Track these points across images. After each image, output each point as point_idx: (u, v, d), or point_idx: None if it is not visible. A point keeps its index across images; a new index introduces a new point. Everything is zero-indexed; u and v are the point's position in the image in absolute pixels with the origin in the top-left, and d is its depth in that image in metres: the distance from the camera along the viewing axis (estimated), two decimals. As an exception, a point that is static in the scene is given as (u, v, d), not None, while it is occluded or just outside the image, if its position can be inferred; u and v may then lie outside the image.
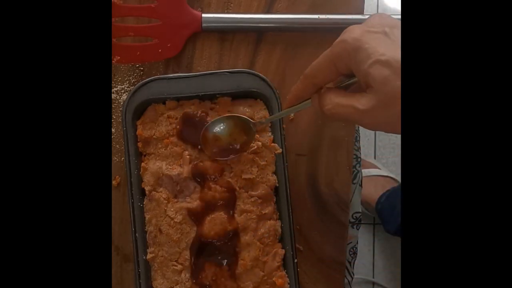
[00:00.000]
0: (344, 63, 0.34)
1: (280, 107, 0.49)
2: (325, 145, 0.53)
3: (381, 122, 0.34)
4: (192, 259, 0.48)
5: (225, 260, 0.48)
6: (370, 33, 0.33)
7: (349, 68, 0.34)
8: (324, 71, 0.36)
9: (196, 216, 0.48)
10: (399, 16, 0.51)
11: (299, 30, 0.53)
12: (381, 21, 0.34)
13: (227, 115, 0.46)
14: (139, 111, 0.50)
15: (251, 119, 0.50)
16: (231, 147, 0.46)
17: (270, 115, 0.50)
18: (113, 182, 0.53)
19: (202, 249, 0.48)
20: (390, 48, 0.32)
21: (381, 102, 0.32)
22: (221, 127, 0.45)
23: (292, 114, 0.53)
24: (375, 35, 0.33)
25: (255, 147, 0.48)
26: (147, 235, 0.49)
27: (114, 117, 0.53)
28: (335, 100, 0.36)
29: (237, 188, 0.48)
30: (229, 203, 0.48)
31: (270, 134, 0.50)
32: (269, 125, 0.50)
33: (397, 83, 0.31)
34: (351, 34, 0.34)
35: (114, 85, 0.53)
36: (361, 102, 0.33)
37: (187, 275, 0.48)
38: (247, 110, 0.50)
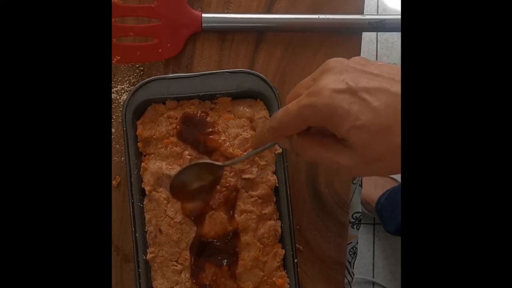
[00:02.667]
0: (315, 123, 0.34)
1: (280, 107, 0.49)
2: (325, 145, 0.53)
3: (366, 174, 0.34)
4: (192, 259, 0.48)
5: (225, 260, 0.48)
6: (337, 94, 0.32)
7: (321, 125, 0.34)
8: (293, 127, 0.36)
9: (196, 216, 0.48)
10: (399, 16, 0.51)
11: (299, 30, 0.53)
12: (342, 74, 0.34)
13: (190, 164, 0.46)
14: (139, 111, 0.50)
15: (251, 119, 0.50)
16: (200, 189, 0.47)
17: (270, 115, 0.50)
18: (113, 182, 0.53)
19: (202, 249, 0.48)
20: (362, 110, 0.31)
21: (364, 162, 0.32)
22: (186, 175, 0.46)
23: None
24: (343, 96, 0.32)
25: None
26: (147, 235, 0.49)
27: (114, 117, 0.53)
28: (314, 151, 0.36)
29: (238, 188, 0.48)
30: (229, 203, 0.48)
31: (270, 134, 0.50)
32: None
33: (377, 146, 0.31)
34: (319, 98, 0.33)
35: (114, 85, 0.53)
36: (344, 159, 0.33)
37: (187, 275, 0.48)
38: (247, 110, 0.50)
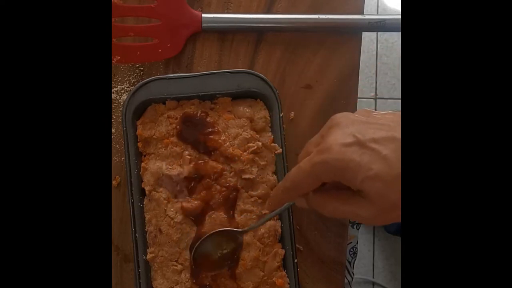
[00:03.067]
0: (329, 178, 0.35)
1: (280, 107, 0.49)
2: (325, 145, 0.53)
3: (386, 222, 0.34)
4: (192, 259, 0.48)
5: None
6: (347, 147, 0.33)
7: (335, 180, 0.35)
8: (307, 184, 0.36)
9: (196, 216, 0.48)
10: (399, 16, 0.51)
11: (299, 30, 0.53)
12: (348, 128, 0.34)
13: (210, 233, 0.47)
14: (139, 111, 0.50)
15: (251, 119, 0.50)
16: (222, 257, 0.47)
17: (269, 115, 0.50)
18: (113, 182, 0.53)
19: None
20: (373, 160, 0.32)
21: (382, 210, 0.33)
22: (207, 245, 0.46)
23: (292, 114, 0.53)
24: (352, 149, 0.33)
25: (255, 147, 0.48)
26: (147, 235, 0.49)
27: (114, 117, 0.53)
28: (332, 206, 0.36)
29: (238, 188, 0.48)
30: (229, 203, 0.48)
31: (270, 134, 0.50)
32: (269, 125, 0.50)
33: (392, 194, 0.32)
34: (330, 154, 0.34)
35: (114, 85, 0.53)
36: (363, 210, 0.34)
37: (187, 275, 0.48)
38: (247, 110, 0.50)
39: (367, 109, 0.37)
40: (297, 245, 0.50)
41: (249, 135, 0.49)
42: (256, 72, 0.49)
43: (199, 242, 0.46)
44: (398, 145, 0.32)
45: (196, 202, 0.48)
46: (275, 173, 0.49)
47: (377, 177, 0.32)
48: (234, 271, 0.48)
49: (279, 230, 0.49)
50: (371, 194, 0.32)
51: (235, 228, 0.48)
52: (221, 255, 0.47)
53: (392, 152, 0.32)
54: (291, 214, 0.49)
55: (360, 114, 0.36)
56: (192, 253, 0.46)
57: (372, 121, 0.35)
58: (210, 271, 0.47)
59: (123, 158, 0.52)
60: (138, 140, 0.50)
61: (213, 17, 0.52)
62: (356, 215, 0.34)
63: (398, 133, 0.33)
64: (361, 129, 0.34)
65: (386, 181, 0.32)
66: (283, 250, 0.49)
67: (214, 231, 0.46)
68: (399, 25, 0.52)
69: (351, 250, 0.61)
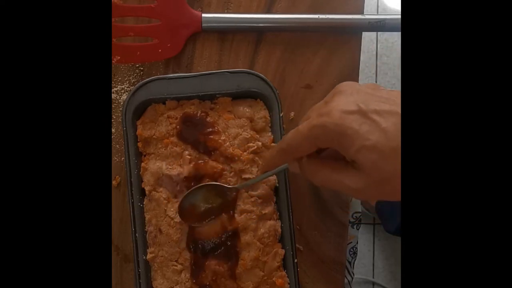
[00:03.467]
0: (325, 143, 0.34)
1: (280, 107, 0.49)
2: (325, 145, 0.53)
3: (374, 197, 0.34)
4: (192, 258, 0.48)
5: (225, 260, 0.48)
6: (347, 114, 0.33)
7: (330, 146, 0.34)
8: (303, 148, 0.36)
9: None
10: (399, 16, 0.51)
11: (299, 30, 0.53)
12: (353, 96, 0.34)
13: (199, 185, 0.47)
14: (139, 111, 0.50)
15: (251, 119, 0.50)
16: (209, 211, 0.48)
17: (269, 115, 0.50)
18: (113, 182, 0.53)
19: (202, 249, 0.48)
20: (372, 131, 0.32)
21: (372, 183, 0.32)
22: (196, 197, 0.47)
23: (292, 114, 0.53)
24: (353, 117, 0.33)
25: (255, 147, 0.48)
26: (147, 235, 0.49)
27: (114, 117, 0.53)
28: (323, 174, 0.35)
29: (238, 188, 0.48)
30: (229, 203, 0.48)
31: (270, 134, 0.50)
32: (269, 125, 0.50)
33: (386, 166, 0.31)
34: (330, 118, 0.33)
35: (114, 85, 0.53)
36: (352, 181, 0.33)
37: (187, 275, 0.48)
38: (247, 110, 0.50)
39: (375, 83, 0.36)
40: (297, 245, 0.50)
41: (249, 135, 0.49)
42: (256, 72, 0.49)
43: (187, 192, 0.46)
44: (399, 119, 0.32)
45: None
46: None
47: (374, 148, 0.31)
48: (234, 271, 0.48)
49: (279, 230, 0.49)
50: (365, 165, 0.32)
51: (235, 228, 0.48)
52: (206, 209, 0.47)
53: (392, 125, 0.32)
54: (291, 214, 0.49)
55: (367, 86, 0.36)
56: (179, 203, 0.46)
57: (377, 94, 0.34)
58: (193, 222, 0.48)
59: (123, 158, 0.52)
60: (138, 140, 0.50)
61: (213, 17, 0.52)
62: (345, 186, 0.34)
63: (400, 109, 0.32)
64: (365, 100, 0.33)
65: (382, 152, 0.31)
66: (283, 250, 0.49)
67: (204, 184, 0.47)
68: (399, 25, 0.52)
69: (351, 250, 0.61)
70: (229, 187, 0.46)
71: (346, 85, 0.36)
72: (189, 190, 0.46)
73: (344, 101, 0.34)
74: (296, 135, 0.36)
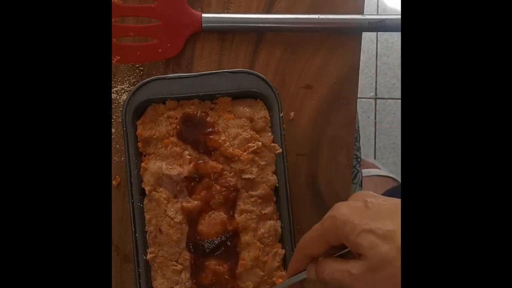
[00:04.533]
0: (334, 236, 0.37)
1: (280, 107, 0.49)
2: (325, 145, 0.53)
3: (375, 284, 0.35)
4: (192, 258, 0.48)
5: (225, 260, 0.48)
6: (354, 207, 0.37)
7: (340, 241, 0.37)
8: (316, 243, 0.39)
9: (196, 216, 0.48)
10: (399, 16, 0.51)
11: (299, 30, 0.53)
12: (363, 195, 0.38)
13: None
14: (139, 111, 0.50)
15: (251, 119, 0.50)
16: None
17: (269, 115, 0.50)
18: (113, 182, 0.53)
19: (202, 249, 0.48)
20: (372, 218, 0.35)
21: (371, 267, 0.34)
22: None
23: (292, 114, 0.53)
24: (358, 208, 0.36)
25: (255, 147, 0.48)
26: (147, 235, 0.49)
27: (114, 117, 0.53)
28: (332, 266, 0.38)
29: (238, 188, 0.48)
30: (229, 203, 0.48)
31: (270, 134, 0.50)
32: (269, 125, 0.50)
33: (383, 248, 0.33)
34: (339, 210, 0.37)
35: (114, 85, 0.53)
36: (354, 267, 0.36)
37: (187, 275, 0.48)
38: (247, 110, 0.50)
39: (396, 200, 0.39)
40: (297, 245, 0.50)
41: (249, 135, 0.49)
42: (256, 72, 0.49)
43: None
44: (393, 207, 0.36)
45: (196, 202, 0.48)
46: (275, 173, 0.49)
47: (372, 231, 0.34)
48: (234, 271, 0.48)
49: (279, 230, 0.49)
50: (364, 246, 0.34)
51: (235, 228, 0.48)
52: None
53: (387, 210, 0.36)
54: (291, 214, 0.49)
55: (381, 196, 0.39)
56: None
57: (389, 201, 0.37)
58: None
59: (123, 158, 0.52)
60: (138, 140, 0.50)
61: (213, 17, 0.52)
62: (347, 273, 0.36)
63: (397, 204, 0.36)
64: (372, 196, 0.38)
65: (380, 236, 0.34)
66: (283, 250, 0.49)
67: None
68: (399, 25, 0.52)
69: (351, 250, 0.61)
70: None
71: (357, 192, 0.41)
72: None
73: (354, 198, 0.39)
74: (309, 232, 0.39)
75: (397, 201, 0.36)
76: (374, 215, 0.35)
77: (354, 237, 0.35)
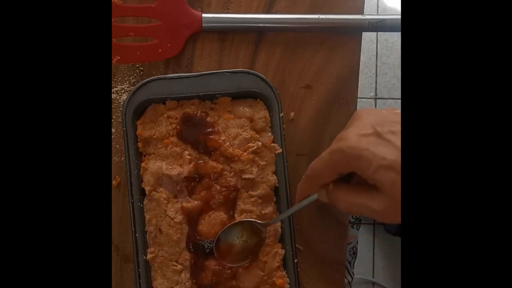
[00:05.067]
0: (345, 168, 0.35)
1: (280, 107, 0.49)
2: (325, 145, 0.53)
3: (397, 218, 0.34)
4: (192, 258, 0.48)
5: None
6: (363, 137, 0.34)
7: (351, 170, 0.35)
8: (325, 173, 0.37)
9: (197, 216, 0.48)
10: (399, 16, 0.51)
11: (299, 30, 0.53)
12: (369, 120, 0.35)
13: (235, 222, 0.47)
14: (139, 111, 0.50)
15: (251, 119, 0.50)
16: (244, 249, 0.47)
17: (269, 115, 0.50)
18: (113, 182, 0.53)
19: (202, 249, 0.48)
20: (387, 150, 0.33)
21: (395, 202, 0.32)
22: (232, 234, 0.47)
23: (292, 114, 0.53)
24: (369, 139, 0.34)
25: (255, 147, 0.48)
26: (147, 235, 0.49)
27: (114, 117, 0.53)
28: (348, 199, 0.36)
29: (238, 188, 0.48)
30: (229, 203, 0.48)
31: (270, 134, 0.50)
32: (269, 125, 0.50)
33: None
34: (346, 142, 0.34)
35: (114, 85, 0.53)
36: (375, 203, 0.34)
37: (187, 275, 0.48)
38: (247, 110, 0.50)
39: (394, 107, 0.37)
40: (297, 245, 0.50)
41: (249, 135, 0.49)
42: (256, 72, 0.49)
43: (222, 230, 0.46)
44: None
45: (196, 202, 0.48)
46: (275, 173, 0.49)
47: (390, 167, 0.32)
48: (234, 271, 0.48)
49: (279, 230, 0.49)
50: (384, 184, 0.32)
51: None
52: (244, 247, 0.47)
53: None
54: (291, 214, 0.49)
55: (384, 110, 0.37)
56: (215, 242, 0.46)
57: (393, 117, 0.35)
58: (231, 262, 0.47)
59: (123, 158, 0.52)
60: (138, 140, 0.50)
61: (213, 17, 0.52)
62: (369, 209, 0.34)
63: None
64: (381, 122, 0.34)
65: (399, 170, 0.31)
66: (283, 250, 0.49)
67: (237, 221, 0.47)
68: (399, 25, 0.52)
69: (351, 250, 0.61)
70: (263, 223, 0.46)
71: (363, 111, 0.37)
72: (222, 229, 0.47)
73: (361, 125, 0.35)
74: (318, 161, 0.37)
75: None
76: (387, 145, 0.33)
77: (371, 173, 0.33)
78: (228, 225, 0.47)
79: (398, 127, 0.34)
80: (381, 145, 0.33)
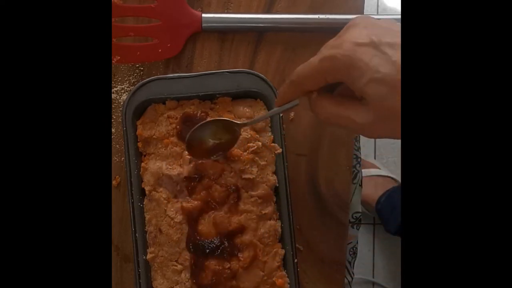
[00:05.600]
0: (334, 77, 0.34)
1: (280, 107, 0.49)
2: (325, 145, 0.53)
3: (380, 134, 0.33)
4: (192, 258, 0.48)
5: (225, 260, 0.48)
6: (359, 46, 0.32)
7: (340, 80, 0.34)
8: (313, 80, 0.35)
9: (196, 216, 0.48)
10: (399, 16, 0.51)
11: (299, 30, 0.53)
12: (367, 29, 0.33)
13: (209, 119, 0.46)
14: (139, 111, 0.50)
15: (249, 119, 0.50)
16: (216, 147, 0.47)
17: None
18: (113, 182, 0.53)
19: (202, 249, 0.48)
20: (383, 63, 0.31)
21: (380, 118, 0.32)
22: (204, 132, 0.46)
23: (292, 114, 0.53)
24: (364, 49, 0.32)
25: (255, 147, 0.48)
26: (147, 235, 0.49)
27: (114, 117, 0.53)
28: (330, 110, 0.35)
29: (238, 188, 0.48)
30: (229, 203, 0.48)
31: (270, 134, 0.50)
32: (269, 125, 0.50)
33: (395, 100, 0.31)
34: (340, 49, 0.32)
35: (114, 85, 0.53)
36: (359, 116, 0.33)
37: (187, 275, 0.48)
38: (247, 110, 0.50)
39: (393, 19, 0.35)
40: (297, 245, 0.50)
41: (249, 135, 0.49)
42: (256, 72, 0.49)
43: (195, 127, 0.45)
44: None
45: (196, 202, 0.48)
46: (275, 173, 0.49)
47: (383, 81, 0.30)
48: (234, 271, 0.48)
49: (279, 230, 0.49)
50: (374, 98, 0.31)
51: (235, 228, 0.47)
52: (215, 144, 0.46)
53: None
54: (291, 214, 0.49)
55: (383, 20, 0.35)
56: (187, 137, 0.45)
57: (393, 28, 0.33)
58: (201, 157, 0.47)
59: (123, 158, 0.52)
60: (138, 140, 0.50)
61: (213, 17, 0.52)
62: (352, 121, 0.33)
63: None
64: (379, 33, 0.33)
65: (391, 86, 0.30)
66: (283, 250, 0.49)
67: (212, 119, 0.46)
68: (399, 25, 0.52)
69: (351, 250, 0.61)
70: (237, 123, 0.45)
71: (361, 18, 0.35)
72: (197, 125, 0.45)
73: (357, 33, 0.33)
74: (306, 66, 0.35)
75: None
76: (383, 58, 0.31)
77: (361, 85, 0.31)
78: (203, 122, 0.46)
79: (396, 40, 0.32)
80: (376, 57, 0.31)
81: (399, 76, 0.30)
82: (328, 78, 0.34)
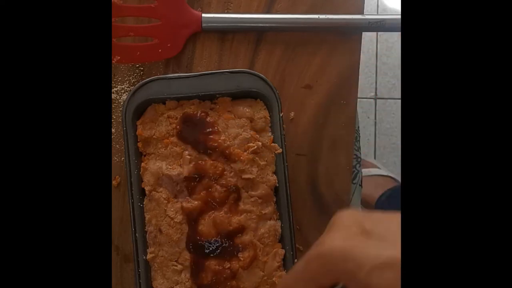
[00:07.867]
0: (327, 278, 0.29)
1: (280, 107, 0.49)
2: (325, 145, 0.53)
3: None
4: (192, 258, 0.48)
5: (225, 260, 0.48)
6: (350, 238, 0.28)
7: (336, 281, 0.29)
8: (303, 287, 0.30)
9: (196, 216, 0.48)
10: (399, 16, 0.51)
11: (299, 30, 0.53)
12: (354, 221, 0.30)
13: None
14: (139, 111, 0.50)
15: (251, 119, 0.49)
16: None
17: (269, 115, 0.50)
18: (113, 182, 0.53)
19: (202, 249, 0.48)
20: (381, 247, 0.27)
21: None
22: None
23: (292, 114, 0.53)
24: (357, 239, 0.28)
25: (255, 147, 0.48)
26: (147, 235, 0.49)
27: (114, 117, 0.53)
28: None
29: (238, 188, 0.48)
30: (229, 203, 0.48)
31: (270, 134, 0.50)
32: (269, 125, 0.50)
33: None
34: (329, 246, 0.28)
35: (114, 85, 0.53)
36: None
37: (187, 275, 0.48)
38: (247, 110, 0.50)
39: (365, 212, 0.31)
40: (297, 245, 0.50)
41: (249, 135, 0.49)
42: (256, 72, 0.49)
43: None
44: (400, 231, 0.29)
45: (196, 202, 0.48)
46: (275, 173, 0.49)
47: (387, 265, 0.26)
48: (234, 271, 0.48)
49: (279, 230, 0.49)
50: (384, 286, 0.27)
51: (235, 228, 0.47)
52: None
53: (400, 239, 0.28)
54: (291, 214, 0.49)
55: (366, 212, 0.32)
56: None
57: (380, 215, 0.30)
58: None
59: (123, 158, 0.52)
60: (138, 140, 0.50)
61: (213, 17, 0.52)
62: None
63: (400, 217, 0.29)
64: (368, 220, 0.30)
65: (397, 269, 0.26)
66: (283, 250, 0.49)
67: None
68: (399, 25, 0.52)
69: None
70: None
71: (344, 212, 0.31)
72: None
73: (344, 226, 0.30)
74: (290, 275, 0.30)
75: (396, 216, 0.29)
76: (380, 242, 0.28)
77: (364, 276, 0.27)
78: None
79: (383, 223, 0.29)
80: (371, 243, 0.28)
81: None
82: (320, 282, 0.29)
